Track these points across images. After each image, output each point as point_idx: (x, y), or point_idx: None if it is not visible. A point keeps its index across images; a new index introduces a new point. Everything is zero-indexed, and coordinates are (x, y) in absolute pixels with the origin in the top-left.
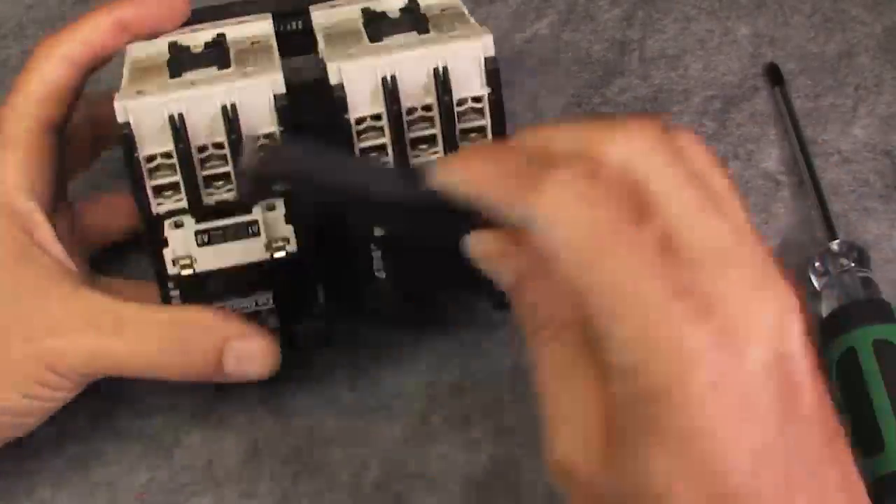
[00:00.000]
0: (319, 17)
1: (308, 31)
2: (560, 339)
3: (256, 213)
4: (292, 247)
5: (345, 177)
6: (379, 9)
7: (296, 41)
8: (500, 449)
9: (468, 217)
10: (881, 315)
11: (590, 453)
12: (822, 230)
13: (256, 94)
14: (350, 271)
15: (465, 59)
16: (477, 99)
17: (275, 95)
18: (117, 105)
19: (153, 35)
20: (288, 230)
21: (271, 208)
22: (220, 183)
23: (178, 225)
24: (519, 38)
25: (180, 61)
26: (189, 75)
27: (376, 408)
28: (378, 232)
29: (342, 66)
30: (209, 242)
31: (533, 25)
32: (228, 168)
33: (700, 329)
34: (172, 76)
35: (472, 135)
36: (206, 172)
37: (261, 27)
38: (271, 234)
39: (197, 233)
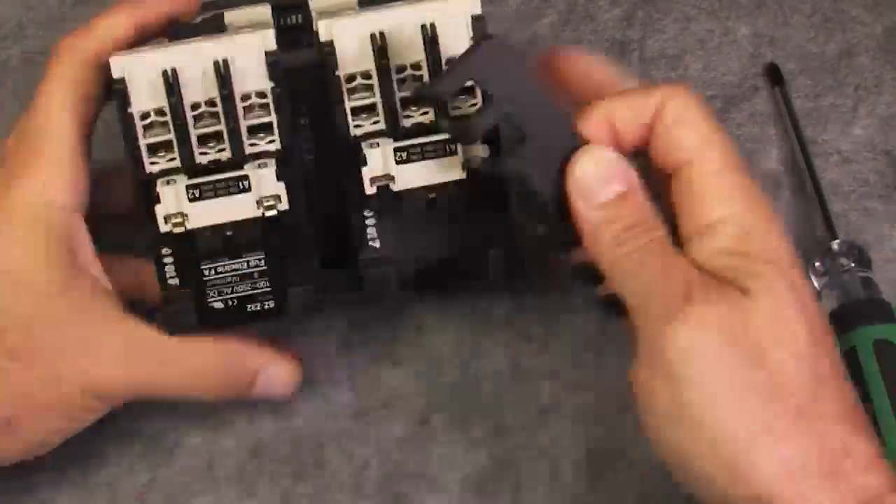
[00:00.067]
0: (318, 2)
1: (308, 26)
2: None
3: (248, 169)
4: (283, 205)
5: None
6: None
7: (295, 36)
8: (500, 449)
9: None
10: (881, 315)
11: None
12: (822, 230)
13: (248, 51)
14: (343, 238)
15: (453, 16)
16: None
17: (266, 52)
18: (112, 60)
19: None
20: (279, 188)
21: (262, 166)
22: (213, 143)
23: (170, 182)
24: (519, 38)
25: (179, 33)
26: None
27: (376, 408)
28: (371, 191)
29: (332, 22)
30: (200, 197)
31: (533, 25)
32: (221, 127)
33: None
34: (170, 42)
35: (461, 97)
36: (198, 131)
37: (260, 12)
38: (262, 190)
39: (188, 187)
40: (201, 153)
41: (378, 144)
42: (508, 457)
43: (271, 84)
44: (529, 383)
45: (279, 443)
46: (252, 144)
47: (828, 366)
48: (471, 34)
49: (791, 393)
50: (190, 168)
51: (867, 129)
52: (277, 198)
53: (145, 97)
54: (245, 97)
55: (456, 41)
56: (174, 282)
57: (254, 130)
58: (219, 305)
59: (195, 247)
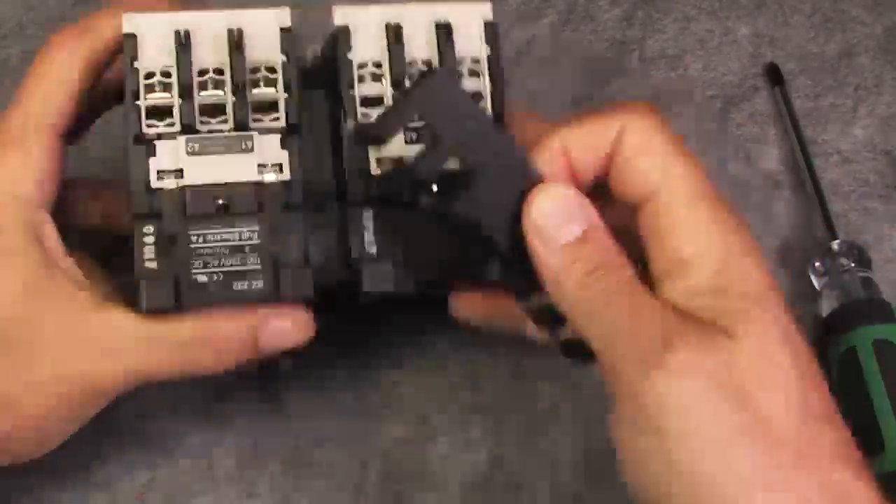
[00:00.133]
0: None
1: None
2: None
3: (252, 132)
4: (285, 175)
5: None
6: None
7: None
8: (500, 449)
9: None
10: (881, 315)
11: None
12: (822, 230)
13: (264, 25)
14: (342, 237)
15: (467, 17)
16: (476, 60)
17: (281, 28)
18: (125, 17)
19: None
20: (283, 156)
21: (266, 132)
22: (216, 115)
23: (167, 137)
24: (519, 38)
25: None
26: None
27: (376, 408)
28: (375, 171)
29: (347, 9)
30: (199, 153)
31: (533, 25)
32: (226, 98)
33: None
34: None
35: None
36: (202, 100)
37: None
38: (265, 155)
39: (189, 140)
40: (202, 121)
41: None
42: (508, 457)
43: (283, 58)
44: (529, 383)
45: (279, 443)
46: (256, 120)
47: (819, 403)
48: (483, 39)
49: (785, 439)
50: (189, 131)
51: (867, 129)
52: (279, 166)
53: (153, 57)
54: (254, 70)
55: (468, 44)
56: (151, 265)
57: (260, 108)
58: (202, 279)
59: (185, 209)
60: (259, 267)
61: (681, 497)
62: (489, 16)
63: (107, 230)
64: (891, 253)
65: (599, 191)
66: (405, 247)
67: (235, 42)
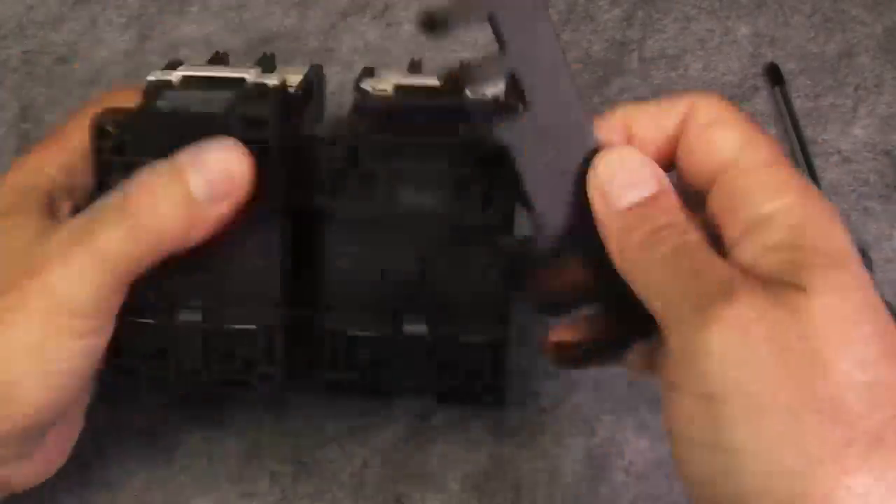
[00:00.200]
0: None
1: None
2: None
3: (248, 74)
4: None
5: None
6: None
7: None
8: (500, 449)
9: None
10: None
11: None
12: None
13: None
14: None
15: None
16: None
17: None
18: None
19: None
20: (278, 80)
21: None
22: None
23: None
24: None
25: None
26: None
27: (376, 408)
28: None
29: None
30: (191, 87)
31: None
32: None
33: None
34: None
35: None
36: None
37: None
38: (260, 77)
39: (185, 77)
40: None
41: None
42: (508, 457)
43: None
44: (529, 383)
45: (279, 443)
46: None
47: None
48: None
49: (861, 414)
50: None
51: (867, 129)
52: (272, 80)
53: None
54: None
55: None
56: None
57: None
58: (165, 108)
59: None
60: (224, 100)
61: (729, 471)
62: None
63: None
64: (891, 253)
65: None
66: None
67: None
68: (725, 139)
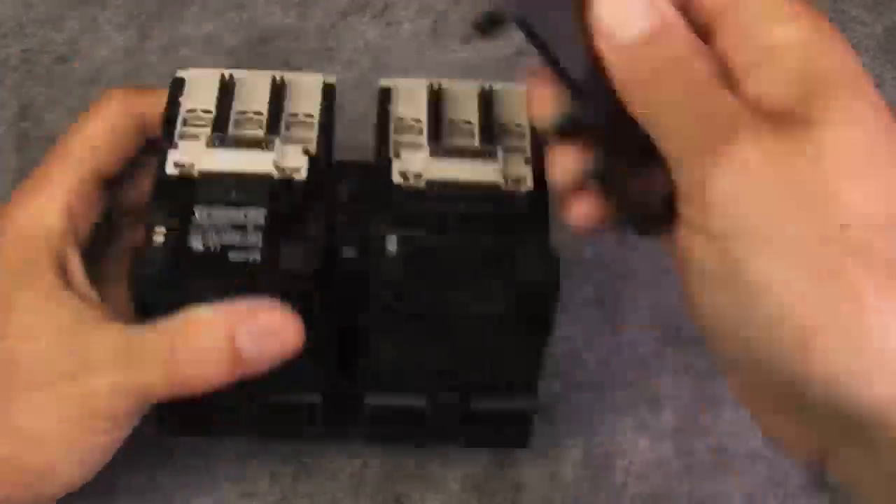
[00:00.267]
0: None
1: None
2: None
3: (275, 138)
4: (301, 176)
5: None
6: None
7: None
8: (500, 449)
9: None
10: None
11: None
12: None
13: (307, 82)
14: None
15: (512, 98)
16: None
17: (325, 83)
18: (179, 71)
19: None
20: (303, 161)
21: (288, 141)
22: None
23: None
24: (519, 36)
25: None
26: None
27: None
28: (398, 180)
29: (395, 80)
30: (220, 145)
31: None
32: (261, 133)
33: None
34: None
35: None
36: (236, 132)
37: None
38: (285, 158)
39: (211, 137)
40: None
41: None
42: (508, 457)
43: (323, 103)
44: None
45: (279, 443)
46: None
47: None
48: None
49: (879, 246)
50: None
51: None
52: (297, 170)
53: (196, 98)
54: (293, 115)
55: (511, 115)
56: (154, 251)
57: (293, 140)
58: (198, 246)
59: (194, 193)
60: (259, 244)
61: (739, 309)
62: None
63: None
64: None
65: None
66: (427, 267)
67: (278, 89)
68: None
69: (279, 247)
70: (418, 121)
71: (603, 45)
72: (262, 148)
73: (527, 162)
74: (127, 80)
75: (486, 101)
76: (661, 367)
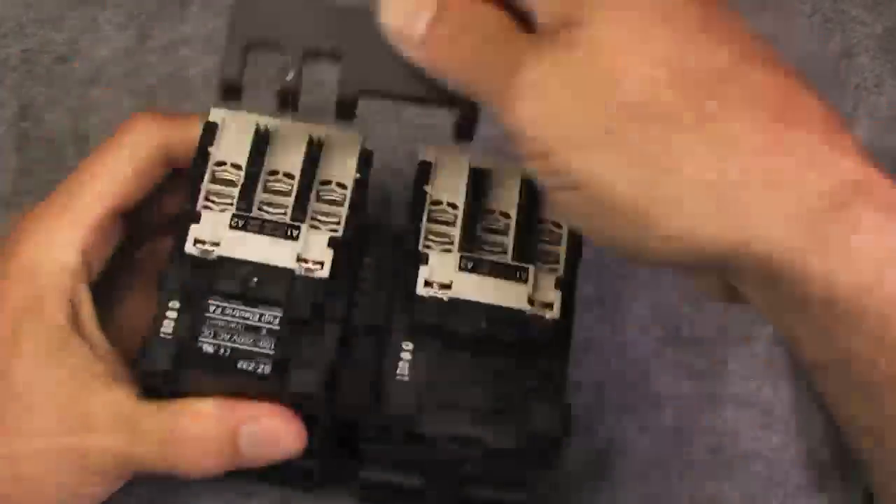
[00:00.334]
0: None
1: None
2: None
3: (301, 225)
4: (324, 272)
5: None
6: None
7: None
8: None
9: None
10: None
11: None
12: None
13: (344, 140)
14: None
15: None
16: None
17: (362, 148)
18: (213, 108)
19: None
20: (327, 254)
21: (315, 228)
22: (274, 209)
23: (214, 209)
24: None
25: None
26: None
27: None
28: (421, 292)
29: (436, 148)
30: (243, 228)
31: None
32: (289, 199)
33: None
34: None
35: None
36: (265, 196)
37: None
38: (308, 249)
39: (234, 216)
40: (258, 211)
41: (445, 251)
42: None
43: (356, 175)
44: None
45: None
46: (314, 227)
47: (729, 55)
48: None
49: (676, 106)
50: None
51: (867, 129)
52: (321, 264)
53: (228, 149)
54: (325, 182)
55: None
56: (166, 335)
57: (320, 215)
58: (208, 349)
59: (213, 281)
60: (271, 352)
61: (594, 221)
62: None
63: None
64: None
65: None
66: (439, 389)
67: (314, 152)
68: None
69: (289, 364)
70: (454, 207)
71: (410, 53)
72: (286, 236)
73: (557, 285)
74: (127, 80)
75: (530, 191)
76: (661, 367)
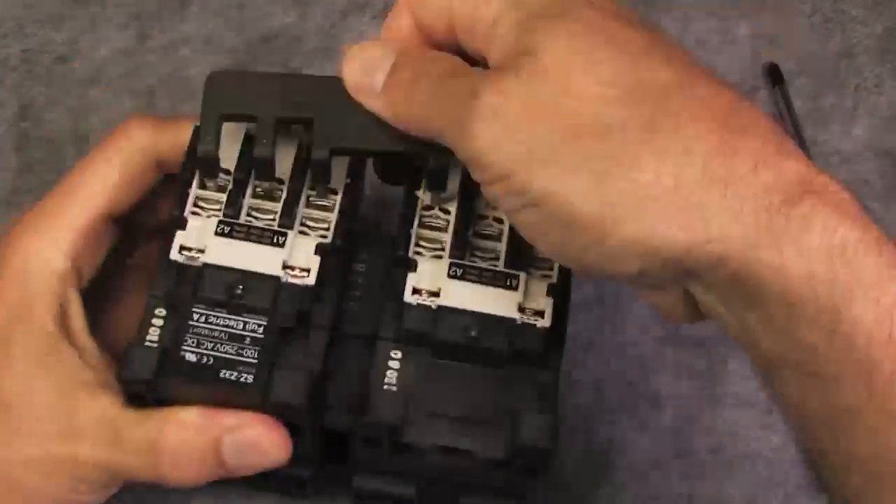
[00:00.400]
0: None
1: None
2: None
3: (287, 232)
4: (310, 280)
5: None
6: None
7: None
8: None
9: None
10: None
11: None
12: None
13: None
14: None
15: None
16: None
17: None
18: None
19: None
20: (313, 261)
21: (304, 234)
22: (262, 215)
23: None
24: None
25: None
26: None
27: None
28: (409, 300)
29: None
30: (228, 235)
31: None
32: (274, 222)
33: None
34: None
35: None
36: (253, 201)
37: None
38: (295, 256)
39: (220, 222)
40: (246, 217)
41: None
42: None
43: (347, 180)
44: None
45: None
46: (302, 232)
47: (674, 72)
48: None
49: (623, 122)
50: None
51: (867, 129)
52: (307, 271)
53: (221, 157)
54: (314, 189)
55: None
56: (151, 343)
57: (310, 221)
58: (191, 357)
59: (197, 288)
60: (254, 361)
61: (553, 238)
62: None
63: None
64: None
65: None
66: (427, 398)
67: (304, 156)
68: None
69: (272, 372)
70: (446, 213)
71: (371, 104)
72: (273, 243)
73: (549, 292)
74: (127, 80)
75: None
76: (661, 367)
